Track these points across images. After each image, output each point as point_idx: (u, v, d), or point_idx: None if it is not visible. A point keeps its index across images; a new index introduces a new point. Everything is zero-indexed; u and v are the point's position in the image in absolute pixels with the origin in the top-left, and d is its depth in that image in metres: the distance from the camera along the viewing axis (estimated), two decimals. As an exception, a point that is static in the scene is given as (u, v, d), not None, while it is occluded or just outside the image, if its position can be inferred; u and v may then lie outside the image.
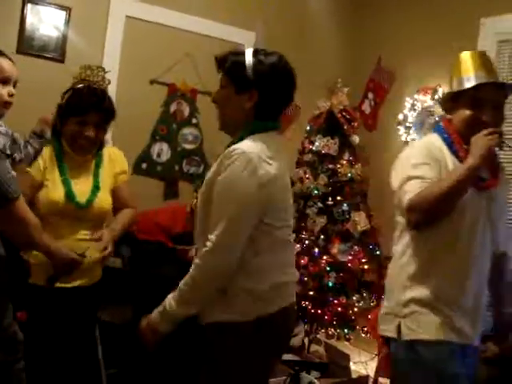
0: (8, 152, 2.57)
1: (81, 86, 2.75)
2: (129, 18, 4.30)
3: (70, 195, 2.69)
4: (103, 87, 2.81)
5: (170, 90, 4.36)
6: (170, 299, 2.13)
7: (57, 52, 3.97)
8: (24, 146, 2.72)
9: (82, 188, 2.74)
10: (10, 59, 2.56)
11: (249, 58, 2.17)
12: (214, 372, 2.20)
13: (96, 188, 2.78)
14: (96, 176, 2.81)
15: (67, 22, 4.02)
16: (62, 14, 4.01)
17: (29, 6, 3.89)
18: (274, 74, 2.19)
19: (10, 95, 2.53)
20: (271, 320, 2.17)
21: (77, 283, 2.74)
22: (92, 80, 2.80)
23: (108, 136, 3.05)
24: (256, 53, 2.19)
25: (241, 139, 2.16)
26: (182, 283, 2.12)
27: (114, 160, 2.94)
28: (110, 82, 2.86)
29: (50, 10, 3.97)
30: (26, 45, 3.89)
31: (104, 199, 2.81)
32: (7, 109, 2.56)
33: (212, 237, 2.06)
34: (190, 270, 2.12)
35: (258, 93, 2.17)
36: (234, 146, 2.10)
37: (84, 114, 2.69)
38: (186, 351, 3.63)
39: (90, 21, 4.19)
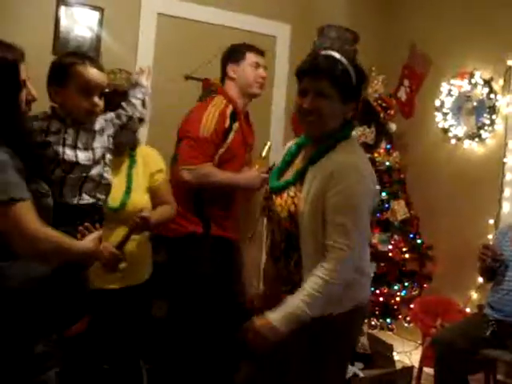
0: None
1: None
2: (160, 15, 4.33)
3: None
4: (126, 88, 2.79)
5: (204, 85, 4.35)
6: (300, 303, 2.11)
7: (91, 52, 3.98)
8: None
9: (115, 192, 2.71)
10: (98, 67, 2.41)
11: (348, 66, 2.19)
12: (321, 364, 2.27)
13: (128, 189, 2.80)
14: (129, 177, 2.84)
15: (100, 22, 4.08)
16: (95, 14, 4.06)
17: (62, 7, 3.95)
18: (364, 82, 2.32)
19: (94, 106, 2.38)
20: (365, 308, 2.41)
21: (127, 283, 2.80)
22: (116, 83, 2.80)
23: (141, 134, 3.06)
24: (345, 58, 2.21)
25: (333, 146, 2.23)
26: (314, 288, 2.12)
27: (149, 160, 2.96)
28: (136, 82, 2.80)
29: (83, 10, 4.03)
30: (62, 46, 3.93)
31: (138, 199, 2.82)
32: (95, 116, 2.43)
33: (343, 244, 2.13)
34: (321, 275, 2.12)
35: (356, 103, 2.24)
36: (340, 161, 2.18)
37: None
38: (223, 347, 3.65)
39: (123, 20, 4.23)
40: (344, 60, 2.19)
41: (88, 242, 2.10)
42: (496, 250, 3.70)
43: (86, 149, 2.33)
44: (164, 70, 4.24)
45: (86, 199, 2.32)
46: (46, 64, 2.45)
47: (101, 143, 2.41)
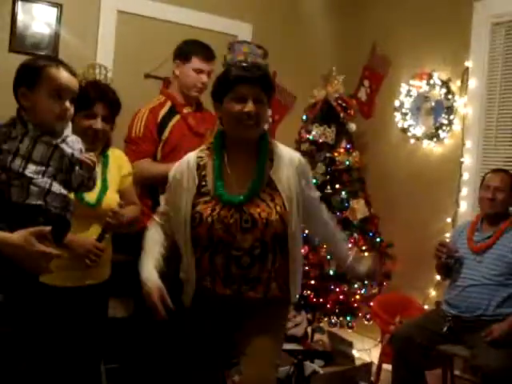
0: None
1: (84, 81, 2.74)
2: (120, 12, 4.30)
3: (78, 196, 2.63)
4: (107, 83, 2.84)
5: (164, 84, 4.34)
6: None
7: (50, 49, 3.95)
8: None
9: None
10: (71, 72, 2.33)
11: (266, 69, 2.56)
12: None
13: (104, 187, 2.81)
14: (104, 175, 2.84)
15: (59, 18, 4.02)
16: (54, 10, 4.01)
17: (19, 3, 3.88)
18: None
19: (64, 110, 2.28)
20: None
21: (87, 282, 2.78)
22: (95, 78, 2.81)
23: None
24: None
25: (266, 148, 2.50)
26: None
27: (121, 163, 2.99)
28: (112, 81, 2.87)
29: (41, 7, 3.97)
30: (19, 43, 3.87)
31: (112, 198, 2.84)
32: (65, 122, 2.33)
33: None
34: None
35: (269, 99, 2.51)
36: (298, 156, 2.56)
37: (91, 105, 2.70)
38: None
39: (82, 17, 4.19)
40: (263, 66, 2.53)
41: (17, 235, 2.04)
42: (451, 248, 3.76)
43: (39, 163, 2.22)
44: (124, 69, 4.22)
45: (34, 201, 2.20)
46: (2, 61, 2.41)
47: (57, 163, 2.27)
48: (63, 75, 2.27)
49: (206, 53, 3.61)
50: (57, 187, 2.23)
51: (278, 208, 2.39)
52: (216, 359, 2.60)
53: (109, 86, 2.86)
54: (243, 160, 2.47)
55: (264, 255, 2.42)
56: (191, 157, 2.54)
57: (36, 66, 2.27)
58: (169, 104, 3.56)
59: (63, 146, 2.26)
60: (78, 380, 2.81)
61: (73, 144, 2.31)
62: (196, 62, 3.55)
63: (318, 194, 2.65)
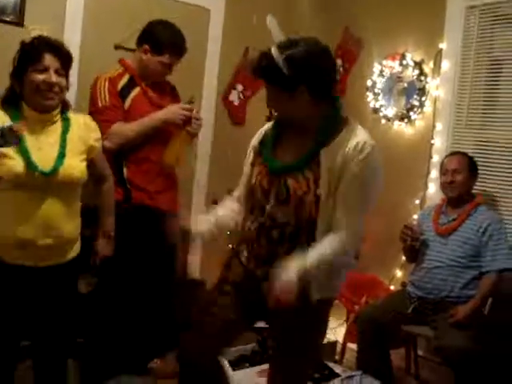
0: None
1: (29, 38, 2.64)
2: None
3: (30, 164, 2.51)
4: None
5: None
6: (314, 260, 2.20)
7: (15, 15, 3.80)
8: None
9: (46, 155, 2.57)
10: None
11: (278, 58, 2.17)
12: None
13: (62, 154, 2.61)
14: (63, 141, 2.65)
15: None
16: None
17: (-15, -34, 3.73)
18: (310, 60, 2.21)
19: None
20: None
21: (51, 262, 2.66)
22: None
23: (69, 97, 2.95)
24: (282, 48, 2.20)
25: (333, 129, 2.29)
26: (328, 250, 2.23)
27: (87, 129, 2.80)
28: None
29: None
30: None
31: (73, 166, 2.63)
32: None
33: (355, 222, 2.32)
34: (336, 242, 2.25)
35: (305, 85, 2.21)
36: (359, 139, 2.26)
37: (40, 57, 2.55)
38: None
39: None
40: (273, 55, 2.20)
41: None
42: (416, 230, 3.78)
43: None
44: (94, 37, 4.13)
45: None
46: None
47: None
48: None
49: (180, 49, 3.52)
50: None
51: (318, 191, 2.25)
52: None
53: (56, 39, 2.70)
54: (302, 133, 2.35)
55: (296, 236, 2.31)
56: (267, 124, 2.56)
57: None
58: (127, 76, 3.50)
59: None
60: (53, 352, 2.80)
61: None
62: (167, 58, 3.48)
63: (356, 194, 2.29)
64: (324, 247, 2.23)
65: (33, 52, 2.57)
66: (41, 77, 2.55)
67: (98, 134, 2.87)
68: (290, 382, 2.45)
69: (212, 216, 2.54)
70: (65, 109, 2.74)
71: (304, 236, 2.31)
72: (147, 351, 3.80)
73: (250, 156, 2.53)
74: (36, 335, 2.76)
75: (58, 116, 2.69)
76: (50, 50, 2.57)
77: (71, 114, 2.77)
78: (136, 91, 3.49)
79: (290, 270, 2.15)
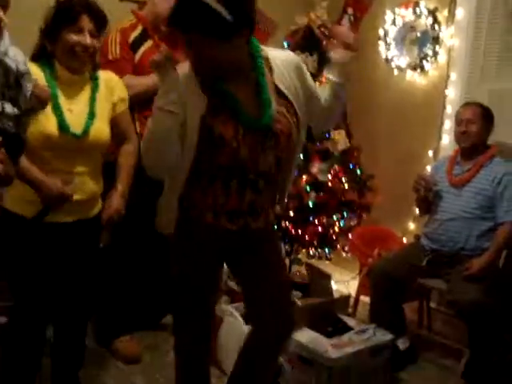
0: None
1: None
2: None
3: (63, 126, 2.48)
4: None
5: (139, 6, 4.17)
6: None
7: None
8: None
9: (77, 116, 2.54)
10: None
11: (215, 3, 1.96)
12: None
13: (92, 115, 2.58)
14: (93, 101, 2.60)
15: None
16: None
17: None
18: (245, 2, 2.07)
19: None
20: None
21: (77, 217, 2.63)
22: None
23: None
24: None
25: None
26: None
27: (112, 86, 2.71)
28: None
29: None
30: None
31: (101, 129, 2.61)
32: None
33: None
34: None
35: (247, 28, 2.09)
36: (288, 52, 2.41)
37: (77, 19, 2.48)
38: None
39: None
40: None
41: None
42: (430, 181, 3.73)
43: None
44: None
45: None
46: None
47: (2, 78, 2.06)
48: None
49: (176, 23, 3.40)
50: (10, 108, 2.06)
51: (295, 119, 2.23)
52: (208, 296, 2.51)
53: None
54: (243, 77, 2.21)
55: (276, 175, 2.29)
56: (184, 72, 2.24)
57: None
58: (140, 27, 3.39)
59: (6, 59, 2.05)
60: (75, 309, 2.82)
61: (15, 57, 2.09)
62: None
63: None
64: None
65: (69, 12, 2.50)
66: (76, 38, 2.48)
67: (123, 93, 2.77)
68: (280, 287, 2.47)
69: None
70: (95, 69, 2.67)
71: (283, 173, 2.32)
72: (160, 307, 3.81)
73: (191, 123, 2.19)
74: (62, 291, 2.75)
75: (87, 77, 2.64)
76: (86, 11, 2.50)
77: (100, 73, 2.71)
78: (148, 44, 3.37)
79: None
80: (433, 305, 4.15)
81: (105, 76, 2.71)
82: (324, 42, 4.46)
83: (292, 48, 4.49)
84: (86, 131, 2.54)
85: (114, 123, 2.71)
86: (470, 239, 3.55)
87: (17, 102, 2.12)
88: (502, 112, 3.98)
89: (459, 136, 3.73)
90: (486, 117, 3.69)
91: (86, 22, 2.50)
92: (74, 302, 2.79)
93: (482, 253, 3.47)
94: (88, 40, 2.51)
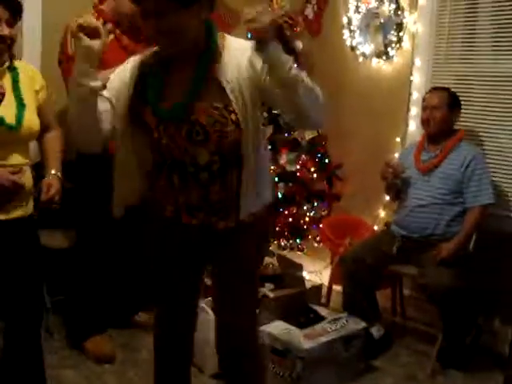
0: None
1: None
2: None
3: None
4: None
5: (99, 1, 4.09)
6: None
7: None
8: None
9: (6, 107, 2.48)
10: None
11: None
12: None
13: (21, 105, 2.53)
14: (17, 91, 2.55)
15: None
16: None
17: None
18: None
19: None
20: None
21: (17, 214, 2.56)
22: None
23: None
24: None
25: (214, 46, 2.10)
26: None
27: (32, 75, 2.67)
28: None
29: None
30: None
31: (32, 118, 2.58)
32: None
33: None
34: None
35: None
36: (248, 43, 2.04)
37: None
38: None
39: None
40: None
41: None
42: (397, 168, 3.73)
43: None
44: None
45: None
46: None
47: None
48: None
49: None
50: None
51: (233, 116, 2.08)
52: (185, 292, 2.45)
53: None
54: (188, 64, 2.12)
55: (224, 171, 2.16)
56: (134, 58, 2.22)
57: None
58: (101, 21, 3.32)
59: None
60: (23, 311, 2.67)
61: None
62: None
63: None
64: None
65: None
66: None
67: (42, 82, 2.73)
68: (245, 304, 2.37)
69: None
70: (12, 58, 2.61)
71: (233, 168, 2.17)
72: (131, 304, 3.77)
73: (119, 110, 2.15)
74: (6, 290, 2.65)
75: (6, 67, 2.58)
76: (1, 1, 2.44)
77: (20, 63, 2.68)
78: (110, 38, 3.32)
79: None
80: (406, 291, 4.15)
81: (21, 65, 2.67)
82: (287, 32, 4.44)
83: (253, 39, 4.45)
84: (19, 122, 2.50)
85: (40, 112, 2.67)
86: (440, 224, 3.56)
87: None
88: (468, 96, 3.99)
89: (424, 122, 3.74)
90: (451, 102, 3.70)
91: (2, 13, 2.45)
92: (20, 302, 2.66)
93: (452, 237, 3.48)
94: (5, 31, 2.46)
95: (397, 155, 4.21)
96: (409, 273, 3.70)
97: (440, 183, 3.61)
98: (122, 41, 3.35)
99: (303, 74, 2.03)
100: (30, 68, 2.72)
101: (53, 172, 2.69)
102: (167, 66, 2.14)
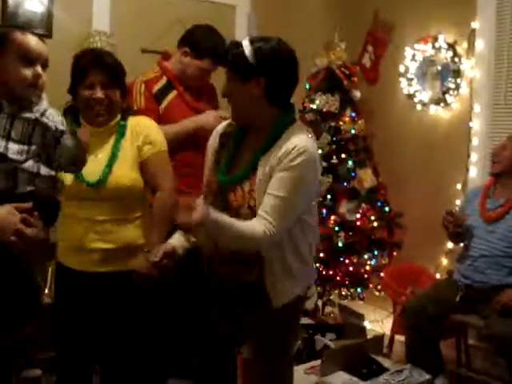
0: None
1: (79, 51, 2.64)
2: (115, -14, 4.17)
3: (78, 175, 2.50)
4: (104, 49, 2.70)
5: (162, 58, 4.24)
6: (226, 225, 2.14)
7: (43, 27, 3.82)
8: None
9: (97, 165, 2.55)
10: (39, 37, 2.23)
11: (247, 47, 2.23)
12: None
13: (109, 164, 2.56)
14: (114, 149, 2.60)
15: (51, -5, 3.89)
16: (46, -13, 3.87)
17: (9, -19, 3.75)
18: (276, 57, 2.25)
19: (36, 76, 2.15)
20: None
21: (103, 268, 2.60)
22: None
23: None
24: (253, 41, 2.25)
25: (278, 134, 2.26)
26: (242, 227, 2.17)
27: (138, 130, 2.68)
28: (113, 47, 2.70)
29: (32, -17, 3.83)
30: (11, 22, 3.72)
31: (122, 175, 2.57)
32: (39, 91, 2.19)
33: (272, 221, 2.16)
34: (253, 226, 2.16)
35: (264, 78, 2.23)
36: (294, 143, 2.19)
37: (86, 74, 2.53)
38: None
39: (75, -7, 4.06)
40: (243, 42, 2.26)
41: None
42: (458, 216, 3.67)
43: (21, 141, 2.09)
44: (120, 44, 4.11)
45: (24, 189, 2.09)
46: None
47: (40, 139, 2.13)
48: (31, 39, 2.14)
49: (220, 56, 3.43)
50: (45, 170, 2.11)
51: (252, 202, 2.25)
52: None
53: (105, 50, 2.72)
54: (256, 140, 2.33)
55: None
56: (223, 123, 2.53)
57: (0, 33, 2.13)
58: (165, 79, 3.44)
59: (44, 119, 2.12)
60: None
61: (53, 117, 2.16)
62: (207, 64, 3.36)
63: (280, 195, 2.18)
64: (238, 225, 2.17)
65: (79, 68, 2.57)
66: (87, 93, 2.54)
67: (149, 137, 2.71)
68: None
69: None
70: (125, 115, 2.70)
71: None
72: (164, 369, 3.59)
73: (209, 159, 2.49)
74: (104, 341, 2.71)
75: (115, 126, 2.66)
76: (95, 65, 2.55)
77: (131, 120, 2.71)
78: (173, 94, 3.39)
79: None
80: (471, 341, 4.05)
81: (133, 122, 2.71)
82: (345, 82, 4.49)
83: (314, 89, 4.53)
84: (101, 180, 2.54)
85: (142, 168, 2.66)
86: (503, 275, 3.47)
87: (51, 162, 2.16)
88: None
89: (492, 163, 3.68)
90: None
91: (95, 76, 2.55)
92: (117, 354, 2.70)
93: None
94: (99, 93, 2.54)
95: (458, 202, 4.15)
96: (473, 323, 3.61)
97: (505, 236, 3.50)
98: (184, 96, 3.45)
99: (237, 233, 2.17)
100: (141, 123, 2.74)
101: (147, 244, 2.62)
102: (243, 134, 2.39)
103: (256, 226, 2.16)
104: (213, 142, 2.48)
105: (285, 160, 2.17)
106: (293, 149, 2.18)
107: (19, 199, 2.05)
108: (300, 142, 2.21)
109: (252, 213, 2.22)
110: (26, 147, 2.08)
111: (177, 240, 2.42)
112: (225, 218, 2.14)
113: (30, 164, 2.08)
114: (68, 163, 2.23)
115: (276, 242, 2.22)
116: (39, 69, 2.13)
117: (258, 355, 2.55)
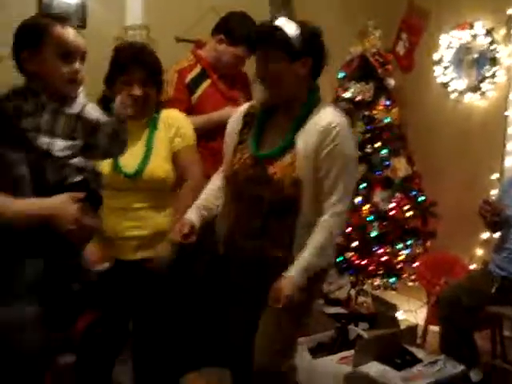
0: None
1: (119, 44, 2.67)
2: (148, -24, 4.18)
3: (115, 166, 2.59)
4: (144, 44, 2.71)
5: (196, 46, 4.25)
6: (311, 256, 2.30)
7: (78, 18, 3.85)
8: None
9: (133, 157, 2.61)
10: (74, 28, 2.16)
11: (292, 28, 2.31)
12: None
13: (146, 156, 2.63)
14: (149, 141, 2.67)
15: (85, -14, 3.91)
16: (80, -22, 3.89)
17: (45, -27, 3.77)
18: (318, 37, 2.40)
19: (75, 72, 2.11)
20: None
21: (139, 256, 2.68)
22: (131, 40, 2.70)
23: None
24: (290, 23, 2.33)
25: (308, 111, 2.39)
26: (320, 241, 2.32)
27: (170, 123, 2.75)
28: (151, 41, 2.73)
29: (66, -26, 3.86)
30: (45, 13, 3.75)
31: (157, 166, 2.65)
32: (78, 85, 2.15)
33: (340, 202, 2.33)
34: (326, 226, 2.33)
35: (312, 58, 2.36)
36: (328, 119, 2.33)
37: (125, 70, 2.57)
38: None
39: (109, -17, 4.08)
40: (285, 25, 2.33)
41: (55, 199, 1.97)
42: (496, 206, 3.61)
43: (65, 137, 2.08)
44: (154, 33, 4.12)
45: (74, 178, 2.08)
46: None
47: (82, 133, 2.13)
48: (70, 33, 2.08)
49: (254, 43, 3.42)
50: (89, 163, 2.13)
51: (294, 174, 2.34)
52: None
53: (145, 46, 2.75)
54: (286, 116, 2.45)
55: (284, 211, 2.38)
56: (244, 105, 2.60)
57: (39, 26, 2.05)
58: (199, 67, 3.44)
59: (85, 114, 2.12)
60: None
61: (94, 111, 2.17)
62: (241, 51, 3.39)
63: (338, 178, 2.34)
64: (316, 239, 2.32)
65: (119, 64, 2.61)
66: (125, 89, 2.54)
67: (181, 129, 2.77)
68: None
69: (199, 201, 2.58)
70: (158, 108, 2.74)
71: (293, 209, 2.37)
72: (182, 364, 3.43)
73: (230, 143, 2.55)
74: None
75: (149, 119, 2.71)
76: (134, 62, 2.58)
77: (163, 112, 2.77)
78: (207, 83, 3.43)
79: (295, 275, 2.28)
80: (506, 333, 4.00)
81: (164, 114, 2.76)
82: (379, 70, 4.45)
83: (348, 78, 4.49)
84: (138, 171, 2.61)
85: (174, 159, 2.73)
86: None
87: (95, 155, 2.18)
88: None
89: None
90: None
91: (134, 73, 2.58)
92: (151, 343, 2.78)
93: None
94: (136, 91, 2.58)
95: (494, 192, 4.10)
96: (509, 314, 3.57)
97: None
98: (218, 85, 3.46)
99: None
100: (172, 116, 2.80)
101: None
102: (270, 114, 2.48)
103: (330, 222, 2.33)
104: (235, 124, 2.56)
105: (327, 139, 2.31)
106: (331, 126, 2.32)
107: (71, 189, 2.05)
108: (333, 117, 2.36)
109: (295, 186, 2.33)
110: (70, 143, 2.08)
111: (194, 215, 2.50)
112: (300, 261, 2.30)
113: (75, 160, 2.09)
114: (111, 146, 2.22)
115: (308, 220, 2.35)
116: (78, 64, 2.11)
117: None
